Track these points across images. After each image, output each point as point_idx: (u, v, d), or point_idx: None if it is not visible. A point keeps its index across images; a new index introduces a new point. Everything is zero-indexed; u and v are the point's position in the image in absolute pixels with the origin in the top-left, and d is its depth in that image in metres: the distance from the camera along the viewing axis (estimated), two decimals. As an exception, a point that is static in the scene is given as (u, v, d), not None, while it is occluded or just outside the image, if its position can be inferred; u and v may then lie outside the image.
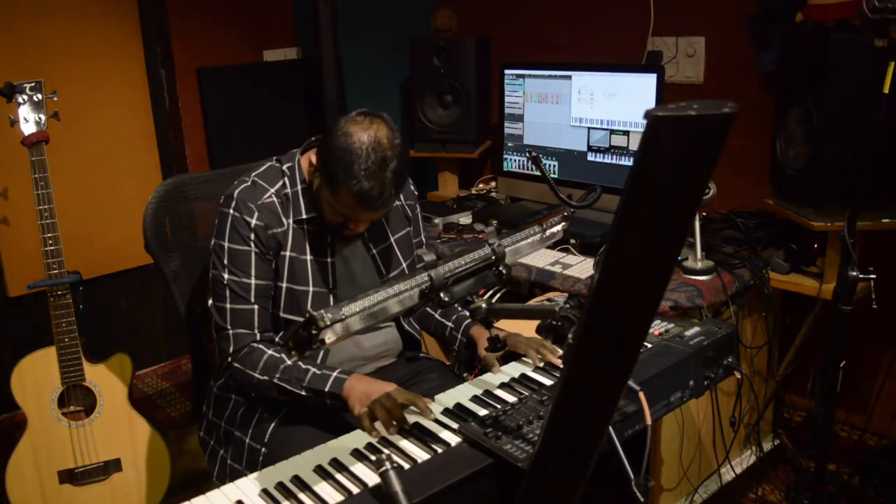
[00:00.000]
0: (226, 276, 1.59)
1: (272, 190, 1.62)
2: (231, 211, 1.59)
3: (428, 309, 1.87)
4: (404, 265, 1.79)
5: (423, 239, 1.91)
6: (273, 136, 3.31)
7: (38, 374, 2.16)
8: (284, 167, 1.65)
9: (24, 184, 2.21)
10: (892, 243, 2.30)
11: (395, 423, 1.36)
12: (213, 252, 1.62)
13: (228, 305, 1.59)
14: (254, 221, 1.58)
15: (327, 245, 1.67)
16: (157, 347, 3.38)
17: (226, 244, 1.59)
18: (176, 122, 3.18)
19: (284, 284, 1.62)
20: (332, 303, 1.65)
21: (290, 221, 1.62)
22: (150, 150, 3.17)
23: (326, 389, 1.50)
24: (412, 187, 1.87)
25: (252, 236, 1.58)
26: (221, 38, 3.24)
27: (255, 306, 1.60)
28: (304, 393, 1.52)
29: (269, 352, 1.58)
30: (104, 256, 3.07)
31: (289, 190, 1.63)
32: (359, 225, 1.60)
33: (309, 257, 1.64)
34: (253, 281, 1.59)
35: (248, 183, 1.62)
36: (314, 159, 1.59)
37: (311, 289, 1.64)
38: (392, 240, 1.78)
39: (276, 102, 3.37)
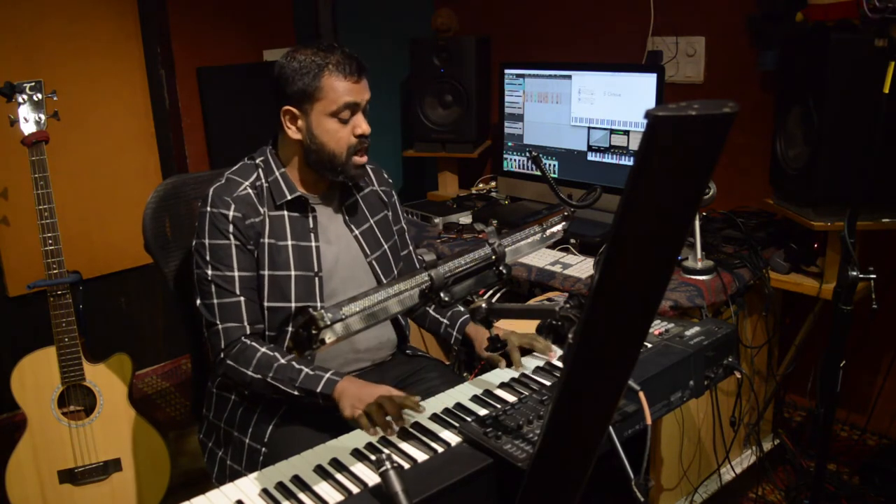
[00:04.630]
0: (209, 272, 1.60)
1: (246, 183, 1.65)
2: (208, 209, 1.61)
3: None
4: (385, 247, 1.80)
5: (405, 226, 1.93)
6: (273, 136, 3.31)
7: (38, 374, 2.16)
8: (258, 161, 1.69)
9: (24, 184, 2.21)
10: (892, 243, 2.30)
11: (393, 423, 1.36)
12: (195, 253, 1.64)
13: (215, 301, 1.60)
14: (231, 213, 1.60)
15: (310, 230, 1.68)
16: (157, 347, 3.38)
17: (206, 241, 1.61)
18: (176, 122, 3.18)
19: (266, 272, 1.63)
20: (317, 287, 1.66)
21: (266, 210, 1.64)
22: (150, 150, 3.17)
23: (318, 390, 1.50)
24: (385, 175, 1.91)
25: (231, 228, 1.60)
26: (221, 38, 3.24)
27: (242, 298, 1.61)
28: (296, 392, 1.53)
29: (263, 349, 1.58)
30: (104, 256, 3.07)
31: (263, 181, 1.66)
32: (361, 122, 1.63)
33: (290, 242, 1.65)
34: (236, 273, 1.60)
35: (222, 181, 1.66)
36: (284, 145, 1.68)
37: (293, 273, 1.65)
38: (371, 221, 1.80)
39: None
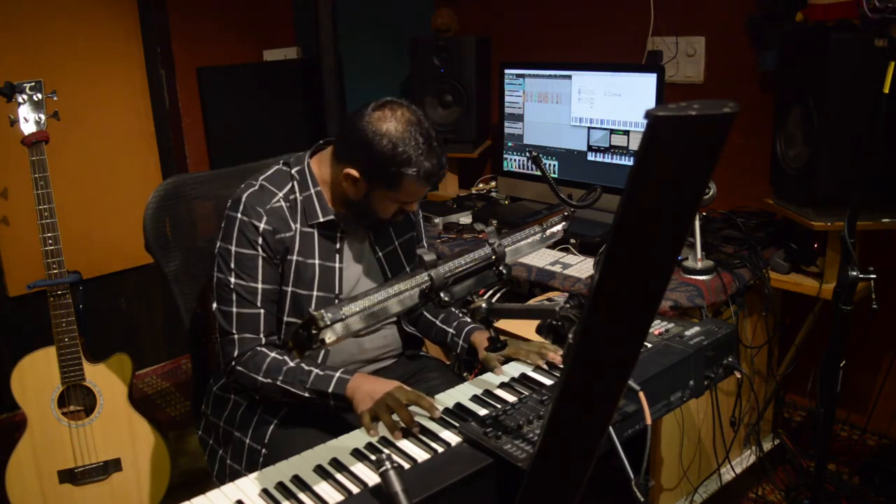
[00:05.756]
0: (232, 280, 1.58)
1: (280, 194, 1.62)
2: (239, 215, 1.58)
3: (429, 316, 1.87)
4: (407, 269, 1.79)
5: (425, 243, 1.92)
6: (273, 136, 3.31)
7: (38, 374, 2.16)
8: (294, 171, 1.64)
9: (24, 184, 2.21)
10: (892, 243, 2.30)
11: (401, 425, 1.36)
12: (218, 255, 1.61)
13: (234, 309, 1.59)
14: (262, 226, 1.57)
15: (336, 251, 1.66)
16: (157, 347, 3.38)
17: (233, 248, 1.58)
18: (176, 122, 3.18)
19: (290, 289, 1.62)
20: None
21: (298, 226, 1.62)
22: (150, 150, 3.17)
23: (330, 390, 1.50)
24: None
25: (260, 240, 1.57)
26: (221, 38, 3.24)
27: (262, 311, 1.59)
28: (307, 394, 1.52)
29: (273, 354, 1.58)
30: (104, 256, 3.07)
31: (297, 195, 1.62)
32: (414, 205, 1.63)
33: (317, 262, 1.64)
34: (260, 285, 1.59)
35: (256, 187, 1.61)
36: (326, 164, 1.62)
37: (315, 293, 1.63)
38: (396, 243, 1.78)
39: (276, 102, 3.37)
